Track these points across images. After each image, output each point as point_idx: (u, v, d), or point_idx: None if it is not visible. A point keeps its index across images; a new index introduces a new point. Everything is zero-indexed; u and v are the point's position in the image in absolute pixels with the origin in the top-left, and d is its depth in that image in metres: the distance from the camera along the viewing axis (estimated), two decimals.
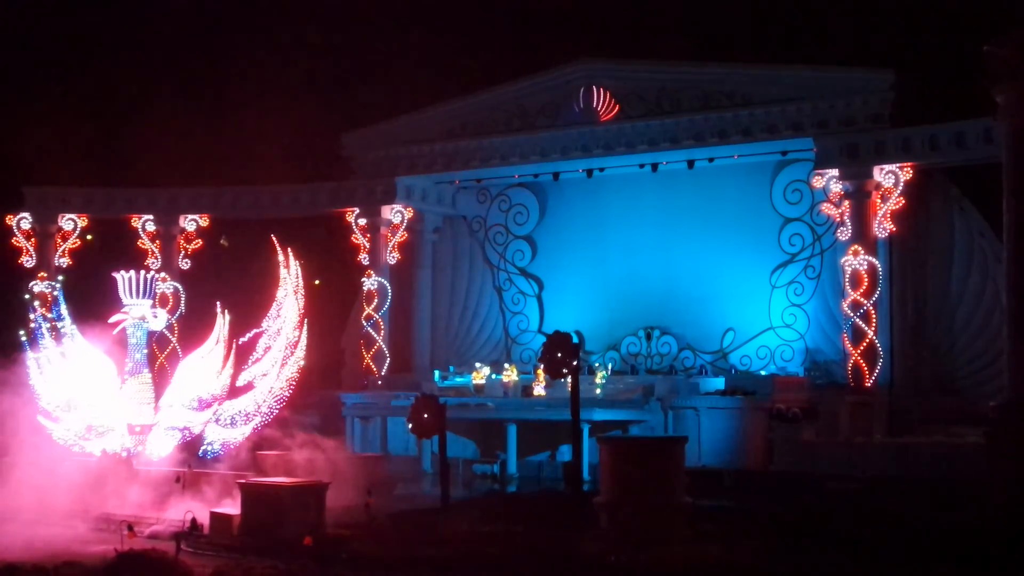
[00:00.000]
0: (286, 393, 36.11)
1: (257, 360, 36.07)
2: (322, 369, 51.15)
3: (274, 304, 36.32)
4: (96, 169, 51.12)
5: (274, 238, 38.20)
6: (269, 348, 36.14)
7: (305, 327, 36.19)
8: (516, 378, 45.97)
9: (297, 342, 36.24)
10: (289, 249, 36.77)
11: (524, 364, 48.74)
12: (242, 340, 35.68)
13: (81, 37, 54.18)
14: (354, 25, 54.31)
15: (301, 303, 36.30)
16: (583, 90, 46.01)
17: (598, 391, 43.12)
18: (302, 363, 36.23)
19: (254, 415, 36.03)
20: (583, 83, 46.12)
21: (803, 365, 44.55)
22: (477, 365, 47.33)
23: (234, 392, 35.71)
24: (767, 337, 45.80)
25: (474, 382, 46.33)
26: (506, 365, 47.07)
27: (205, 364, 35.91)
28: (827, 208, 43.01)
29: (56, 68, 53.73)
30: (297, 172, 51.91)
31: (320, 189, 51.23)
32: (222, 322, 36.00)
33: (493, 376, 46.45)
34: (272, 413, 35.99)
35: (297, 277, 36.49)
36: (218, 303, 36.46)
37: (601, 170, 47.43)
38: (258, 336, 36.14)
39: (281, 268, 36.49)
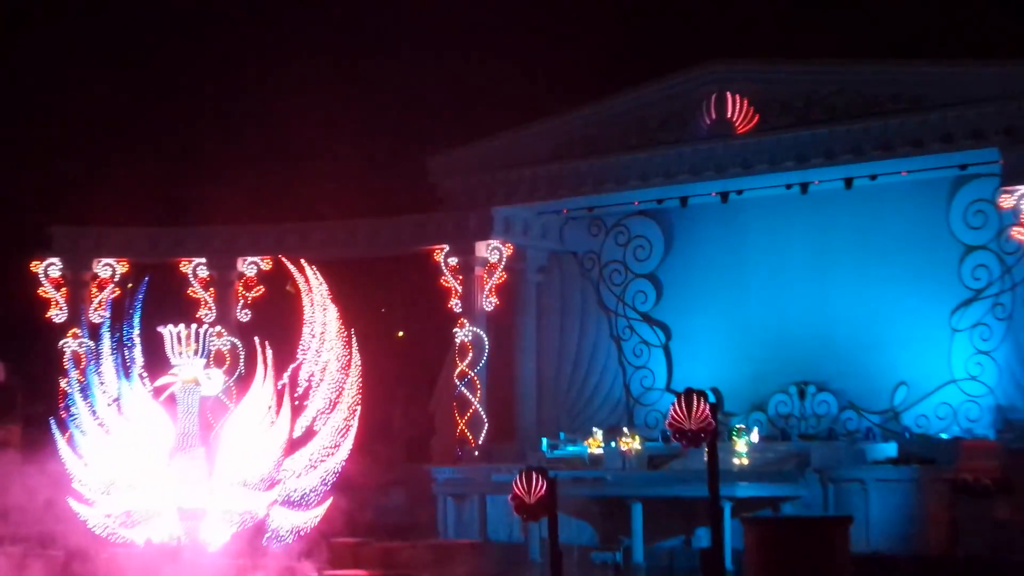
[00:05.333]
0: (352, 423, 35.88)
1: (306, 392, 35.84)
2: (407, 438, 51.26)
3: (304, 325, 36.27)
4: (137, 206, 51.62)
5: (283, 259, 38.32)
6: (312, 375, 35.97)
7: (354, 342, 36.04)
8: (638, 446, 45.49)
9: (349, 361, 36.11)
10: (302, 260, 36.81)
11: (649, 429, 48.43)
12: (281, 383, 35.55)
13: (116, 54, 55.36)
14: (441, 34, 54.88)
15: (335, 315, 36.28)
16: (715, 97, 45.88)
17: (742, 461, 42.64)
18: (360, 382, 36.08)
19: (325, 484, 35.82)
20: (715, 89, 45.95)
21: (994, 426, 43.79)
22: (593, 431, 46.93)
23: (293, 445, 35.56)
24: (948, 392, 45.26)
25: (589, 451, 45.98)
26: (624, 430, 46.70)
27: (258, 425, 35.67)
28: (1018, 233, 42.31)
29: (83, 91, 54.64)
30: (375, 205, 52.28)
31: (402, 224, 51.41)
32: (264, 362, 35.75)
33: (612, 444, 45.93)
34: (338, 450, 35.71)
35: (321, 290, 36.49)
36: (256, 338, 36.31)
37: (739, 193, 47.10)
38: (298, 369, 36.01)
39: (300, 284, 36.56)
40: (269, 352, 35.72)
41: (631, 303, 51.20)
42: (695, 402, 35.46)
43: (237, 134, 54.77)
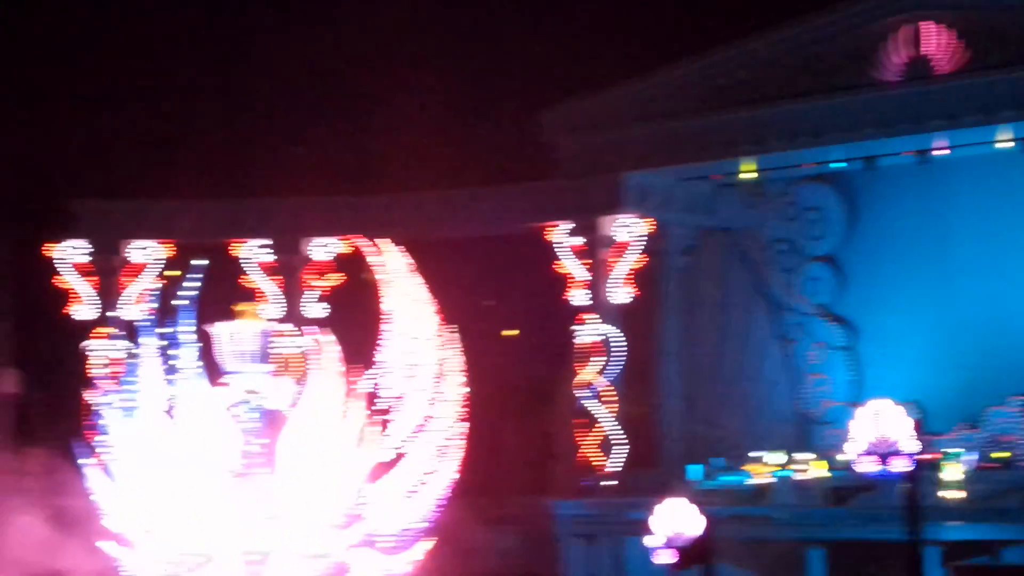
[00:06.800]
0: (454, 444, 35.74)
1: (390, 404, 35.73)
2: (521, 465, 51.06)
3: (383, 322, 36.27)
4: (181, 174, 51.98)
5: (353, 240, 38.16)
6: (397, 383, 35.92)
7: (454, 343, 35.93)
8: (818, 475, 45.58)
9: (448, 367, 36.01)
10: (378, 241, 36.70)
11: (831, 454, 47.66)
12: (352, 396, 35.54)
13: None
14: None
15: (431, 309, 36.21)
16: (909, 28, 45.67)
17: (951, 494, 42.50)
18: (464, 393, 35.94)
19: (421, 521, 35.80)
20: (909, 16, 45.74)
21: None
22: (758, 456, 47.02)
23: (380, 471, 35.55)
24: None
25: (753, 482, 46.24)
26: (798, 455, 46.99)
27: (334, 444, 35.63)
28: None
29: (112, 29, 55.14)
30: (476, 172, 52.54)
31: (510, 195, 51.75)
32: (328, 357, 35.65)
33: (783, 473, 46.20)
34: (437, 478, 35.63)
35: (406, 277, 36.48)
36: (316, 330, 36.25)
37: (944, 151, 46.72)
38: (379, 375, 35.95)
39: (379, 270, 36.60)
40: (335, 348, 35.67)
41: (804, 294, 51.15)
42: (890, 419, 35.02)
43: (308, 87, 55.03)
